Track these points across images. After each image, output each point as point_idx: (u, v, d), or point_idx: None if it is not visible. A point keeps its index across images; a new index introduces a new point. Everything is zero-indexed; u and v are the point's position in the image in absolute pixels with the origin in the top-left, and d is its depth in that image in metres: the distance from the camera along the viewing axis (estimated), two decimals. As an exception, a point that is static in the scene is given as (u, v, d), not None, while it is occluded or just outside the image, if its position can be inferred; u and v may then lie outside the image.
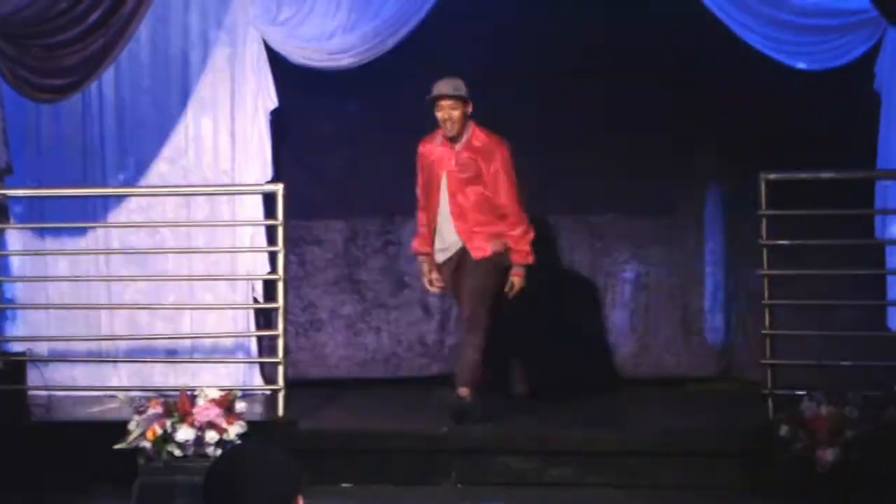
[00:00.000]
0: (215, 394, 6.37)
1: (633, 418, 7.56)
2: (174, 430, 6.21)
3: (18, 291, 8.16)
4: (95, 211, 8.32)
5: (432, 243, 7.31)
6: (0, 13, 7.37)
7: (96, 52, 7.43)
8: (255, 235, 8.15)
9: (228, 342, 8.28)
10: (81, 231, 8.33)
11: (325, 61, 7.97)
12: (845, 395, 6.25)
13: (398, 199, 8.16)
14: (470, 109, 7.10)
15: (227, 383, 7.49)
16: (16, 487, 6.71)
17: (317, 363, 8.66)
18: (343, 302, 8.68)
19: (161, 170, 8.33)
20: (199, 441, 6.21)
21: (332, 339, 8.69)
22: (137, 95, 8.34)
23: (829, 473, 6.06)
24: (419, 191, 7.38)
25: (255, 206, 8.11)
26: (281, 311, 7.25)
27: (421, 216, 7.41)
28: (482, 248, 7.12)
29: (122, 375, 8.21)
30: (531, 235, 7.23)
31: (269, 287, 7.81)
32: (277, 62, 8.09)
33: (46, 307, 8.17)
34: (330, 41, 7.96)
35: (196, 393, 6.37)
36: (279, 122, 8.29)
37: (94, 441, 6.64)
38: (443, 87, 7.08)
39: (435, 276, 7.35)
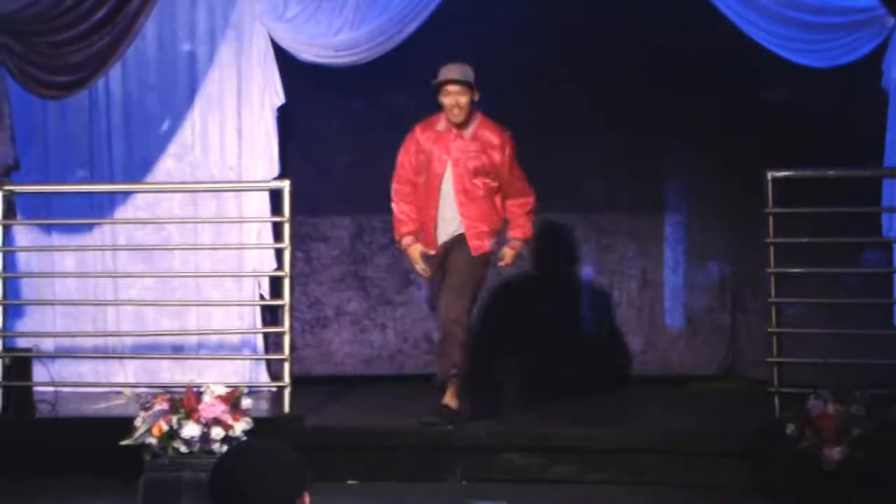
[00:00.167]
0: (221, 390, 6.37)
1: (637, 416, 7.55)
2: (180, 426, 6.21)
3: (25, 287, 8.17)
4: (102, 207, 8.33)
5: (417, 230, 7.07)
6: (6, 11, 7.38)
7: (103, 48, 7.44)
8: (262, 232, 8.16)
9: (234, 339, 8.28)
10: (88, 227, 8.35)
11: (331, 58, 7.98)
12: (852, 393, 6.24)
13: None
14: (476, 97, 6.93)
15: (233, 380, 7.50)
16: (22, 483, 6.71)
17: (323, 360, 8.67)
18: (349, 299, 8.69)
19: (168, 166, 8.34)
20: (205, 437, 6.21)
21: (338, 335, 8.69)
22: (144, 92, 8.34)
23: (835, 472, 6.05)
24: (403, 174, 7.07)
25: (261, 203, 8.12)
26: (287, 308, 7.25)
27: (401, 205, 7.09)
28: (482, 245, 6.97)
29: (128, 372, 8.23)
30: (533, 214, 7.18)
31: (276, 284, 7.81)
32: (284, 59, 8.09)
33: (53, 303, 8.18)
34: (336, 38, 7.96)
35: (202, 389, 6.37)
36: (286, 119, 8.29)
37: (100, 437, 6.64)
38: (451, 71, 6.91)
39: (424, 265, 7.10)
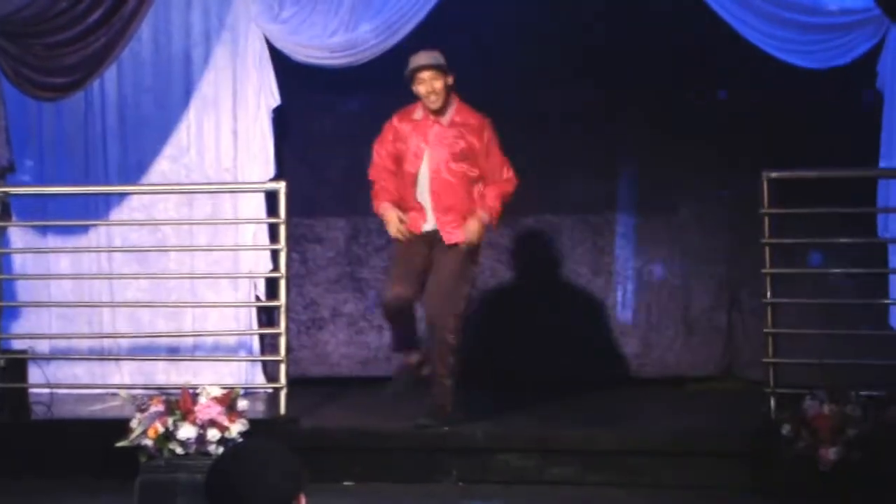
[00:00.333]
0: (217, 392, 6.36)
1: (634, 417, 7.55)
2: (176, 428, 6.21)
3: (20, 289, 8.16)
4: (97, 209, 8.33)
5: (396, 201, 6.91)
6: (1, 12, 7.38)
7: (98, 50, 7.44)
8: (258, 233, 8.15)
9: (230, 340, 8.28)
10: (83, 229, 8.34)
11: (326, 59, 7.97)
12: (848, 393, 6.24)
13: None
14: (451, 81, 6.77)
15: (228, 381, 7.49)
16: (17, 485, 6.71)
17: (318, 361, 8.67)
18: (345, 300, 8.68)
19: (163, 168, 8.34)
20: (201, 439, 6.20)
21: (334, 337, 8.69)
22: (139, 94, 8.34)
23: (831, 472, 6.06)
24: (380, 161, 6.95)
25: (257, 204, 8.12)
26: (283, 310, 7.25)
27: (381, 183, 6.95)
28: (455, 236, 6.80)
29: (123, 373, 8.22)
30: (508, 197, 6.90)
31: (271, 285, 7.81)
32: (279, 60, 8.09)
33: (48, 305, 8.18)
34: (332, 39, 7.95)
35: (198, 391, 6.36)
36: (281, 120, 8.29)
37: (95, 439, 6.64)
38: (421, 58, 6.78)
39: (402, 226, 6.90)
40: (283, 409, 7.13)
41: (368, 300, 8.65)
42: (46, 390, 7.60)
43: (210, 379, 7.26)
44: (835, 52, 7.34)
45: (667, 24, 8.07)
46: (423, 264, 6.84)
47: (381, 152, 6.98)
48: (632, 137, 8.32)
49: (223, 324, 8.19)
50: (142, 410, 6.34)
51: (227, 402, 6.33)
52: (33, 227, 8.21)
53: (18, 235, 8.18)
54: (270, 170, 8.14)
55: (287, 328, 7.29)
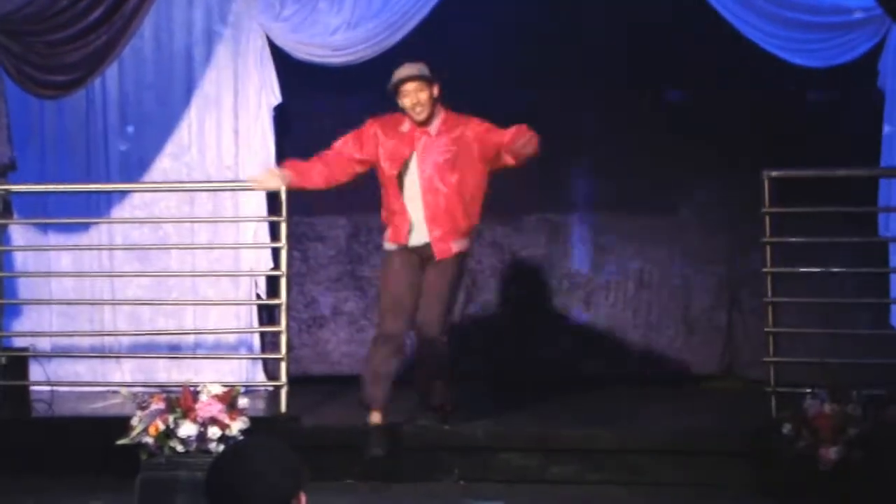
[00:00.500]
0: (218, 390, 6.36)
1: (635, 416, 7.55)
2: (177, 425, 6.21)
3: (22, 287, 8.17)
4: (99, 207, 8.33)
5: (300, 171, 6.74)
6: (3, 10, 7.38)
7: (99, 48, 7.44)
8: (258, 232, 8.16)
9: (231, 338, 8.28)
10: (84, 227, 8.34)
11: (328, 57, 7.97)
12: (848, 392, 6.24)
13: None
14: (436, 91, 6.55)
15: (229, 379, 7.50)
16: (18, 482, 6.71)
17: (319, 359, 8.67)
18: (346, 298, 8.68)
19: (164, 166, 8.34)
20: (202, 437, 6.20)
21: (335, 335, 8.69)
22: (141, 91, 8.34)
23: (832, 471, 6.06)
24: (341, 144, 6.74)
25: (258, 203, 8.11)
26: (284, 308, 7.26)
27: (303, 163, 6.80)
28: (447, 249, 6.55)
29: (124, 371, 8.23)
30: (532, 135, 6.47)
31: (272, 283, 7.81)
32: (281, 58, 8.09)
33: (49, 303, 8.18)
34: (333, 37, 7.95)
35: (199, 389, 6.36)
36: (282, 118, 8.29)
37: (96, 436, 6.64)
38: (405, 70, 6.55)
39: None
40: (283, 408, 7.13)
41: (369, 298, 8.65)
42: (47, 388, 7.61)
43: (211, 377, 7.26)
44: (836, 52, 7.34)
45: (667, 23, 8.06)
46: (414, 293, 6.58)
47: (349, 140, 6.72)
48: (630, 136, 8.32)
49: (224, 322, 8.19)
50: (143, 408, 6.34)
51: (228, 400, 6.33)
52: (35, 224, 8.22)
53: (20, 233, 8.19)
54: (271, 167, 8.13)
55: (288, 326, 7.29)
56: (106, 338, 8.25)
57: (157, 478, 6.26)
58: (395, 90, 6.53)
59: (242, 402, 6.44)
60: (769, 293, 6.97)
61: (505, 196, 8.48)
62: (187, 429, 6.19)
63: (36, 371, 7.66)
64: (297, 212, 7.66)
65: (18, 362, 7.51)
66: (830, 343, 7.33)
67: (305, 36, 8.01)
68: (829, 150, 7.64)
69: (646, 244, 8.60)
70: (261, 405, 7.54)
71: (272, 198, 7.68)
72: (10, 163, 7.55)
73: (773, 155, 7.50)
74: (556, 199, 8.56)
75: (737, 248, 8.37)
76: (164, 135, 8.32)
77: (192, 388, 6.35)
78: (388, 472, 6.65)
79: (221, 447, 6.09)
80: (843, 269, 7.38)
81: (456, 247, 6.57)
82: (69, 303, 8.22)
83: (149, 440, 6.24)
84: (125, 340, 8.25)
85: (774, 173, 6.98)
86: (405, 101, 6.52)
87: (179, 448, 6.21)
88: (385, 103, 8.30)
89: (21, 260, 8.20)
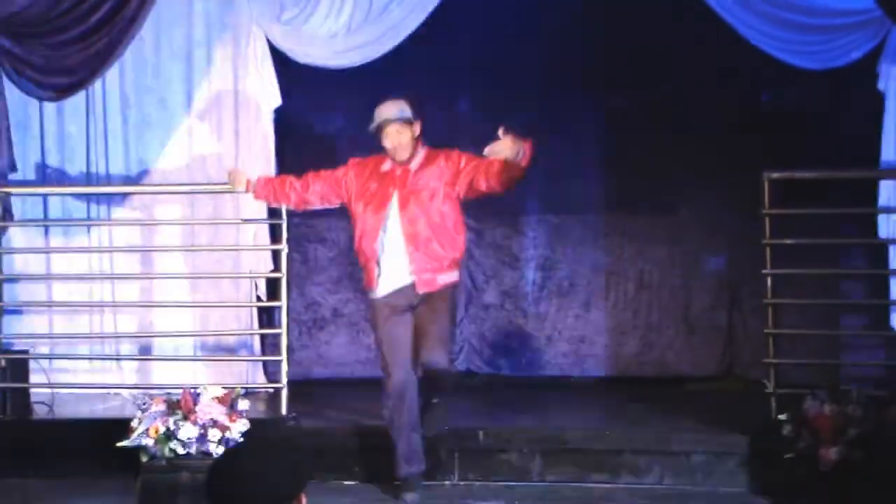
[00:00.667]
0: (218, 392, 6.37)
1: (635, 416, 7.55)
2: (177, 427, 6.21)
3: (22, 289, 8.17)
4: (99, 209, 8.34)
5: (272, 188, 6.69)
6: (4, 12, 7.39)
7: (100, 50, 7.44)
8: (259, 233, 8.15)
9: (231, 340, 8.28)
10: (85, 229, 8.34)
11: (328, 60, 7.97)
12: (848, 393, 6.25)
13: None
14: (418, 130, 6.42)
15: (229, 381, 7.49)
16: (19, 484, 6.72)
17: (319, 361, 8.68)
18: (346, 300, 8.69)
19: (165, 168, 8.34)
20: (202, 439, 6.21)
21: (335, 337, 8.70)
22: (141, 94, 8.34)
23: (832, 472, 6.06)
24: (327, 174, 6.61)
25: (258, 205, 8.10)
26: (284, 310, 7.26)
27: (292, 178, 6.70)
28: (432, 281, 6.32)
29: (125, 373, 8.22)
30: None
31: (272, 285, 7.81)
32: (281, 61, 8.09)
33: (50, 305, 8.18)
34: (333, 40, 7.95)
35: (199, 391, 6.37)
36: (282, 121, 8.29)
37: (96, 439, 6.65)
38: (387, 111, 6.40)
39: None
40: (283, 409, 7.13)
41: (369, 300, 8.65)
42: (48, 390, 7.61)
43: (211, 379, 7.27)
44: (836, 53, 7.34)
45: (667, 24, 8.07)
46: (411, 336, 6.39)
47: (335, 173, 6.61)
48: (630, 137, 8.33)
49: (224, 324, 8.19)
50: (143, 410, 6.34)
51: (228, 402, 6.34)
52: (35, 226, 8.22)
53: (20, 235, 8.18)
54: (272, 170, 8.13)
55: (288, 328, 7.30)
56: (106, 340, 8.26)
57: (157, 480, 6.27)
58: (377, 131, 6.43)
59: (243, 404, 6.44)
60: (769, 294, 6.98)
61: (505, 197, 8.50)
62: (188, 431, 6.19)
63: (36, 373, 7.66)
64: (297, 214, 7.66)
65: (19, 364, 7.52)
66: (830, 344, 7.33)
67: (305, 39, 8.01)
68: (829, 151, 7.65)
69: (646, 245, 8.62)
70: (261, 407, 7.54)
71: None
72: (11, 165, 7.56)
73: (774, 156, 7.50)
74: (556, 201, 8.57)
75: (737, 249, 8.38)
76: (164, 137, 8.32)
77: (192, 391, 6.35)
78: (387, 474, 6.65)
79: (222, 449, 6.09)
80: (843, 271, 7.38)
81: (442, 280, 6.35)
82: (70, 305, 8.22)
83: (149, 442, 6.24)
84: (125, 343, 8.25)
85: (775, 175, 6.99)
86: (386, 143, 6.42)
87: (180, 450, 6.21)
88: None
89: (21, 262, 8.20)
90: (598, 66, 8.26)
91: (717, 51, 7.90)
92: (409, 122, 6.39)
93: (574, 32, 8.25)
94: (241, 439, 6.16)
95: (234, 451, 2.96)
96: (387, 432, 6.38)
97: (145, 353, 8.22)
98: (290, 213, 7.31)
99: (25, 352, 7.70)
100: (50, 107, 8.14)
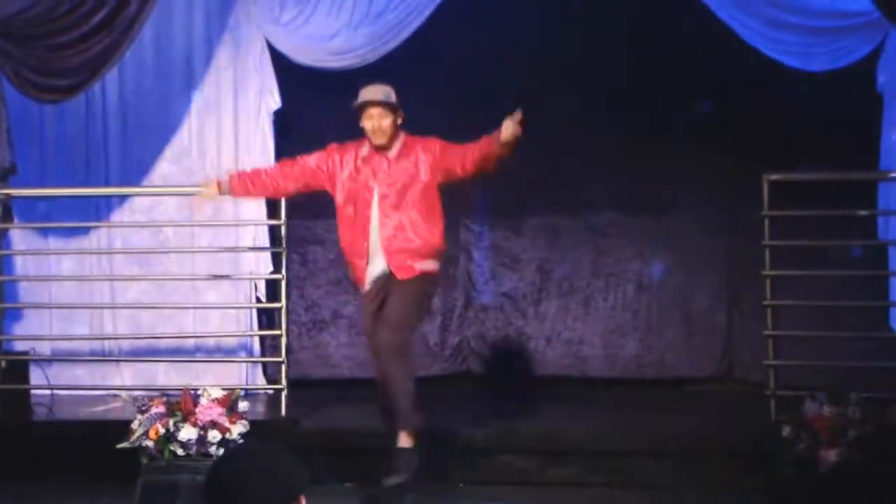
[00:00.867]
0: (218, 393, 6.37)
1: (635, 418, 7.56)
2: (177, 429, 6.21)
3: (22, 291, 8.18)
4: (99, 211, 8.34)
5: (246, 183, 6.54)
6: (3, 14, 7.39)
7: (100, 52, 7.44)
8: (258, 235, 8.16)
9: (231, 342, 8.29)
10: (84, 231, 8.35)
11: (328, 61, 7.98)
12: (848, 395, 6.25)
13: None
14: (400, 120, 6.34)
15: (229, 383, 7.49)
16: (18, 486, 6.72)
17: (319, 363, 8.67)
18: (346, 302, 8.69)
19: (164, 170, 8.35)
20: (202, 440, 6.21)
21: (335, 338, 8.70)
22: (141, 96, 8.35)
23: (831, 474, 6.06)
24: (302, 160, 6.51)
25: (257, 206, 8.12)
26: (283, 311, 7.26)
27: (257, 174, 6.59)
28: (411, 268, 6.26)
29: (124, 375, 8.23)
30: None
31: (272, 287, 7.82)
32: (280, 62, 8.10)
33: (49, 307, 8.19)
34: (333, 41, 7.96)
35: (199, 392, 6.37)
36: (282, 122, 8.30)
37: (96, 440, 6.65)
38: (371, 92, 6.31)
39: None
40: (283, 411, 7.14)
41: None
42: (47, 392, 7.62)
43: (211, 380, 7.27)
44: (835, 55, 7.35)
45: (666, 27, 8.07)
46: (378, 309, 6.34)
47: (312, 157, 6.50)
48: (630, 138, 8.32)
49: (224, 325, 8.19)
50: (143, 412, 6.34)
51: (228, 403, 6.33)
52: (35, 228, 8.22)
53: (20, 237, 8.19)
54: (271, 172, 8.14)
55: (287, 330, 7.30)
56: (106, 341, 8.26)
57: (157, 481, 6.26)
58: (359, 110, 6.33)
59: (242, 405, 6.44)
60: (769, 296, 6.98)
61: (504, 199, 8.51)
62: (187, 432, 6.19)
63: (36, 375, 7.66)
64: (296, 215, 7.67)
65: (19, 366, 7.53)
66: (830, 346, 7.33)
67: (305, 40, 8.02)
68: (829, 153, 7.65)
69: (645, 246, 8.62)
70: (261, 409, 7.55)
71: (272, 201, 7.69)
72: (11, 167, 7.56)
73: (773, 158, 7.51)
74: (555, 202, 8.57)
75: (737, 251, 8.37)
76: (164, 139, 8.33)
77: (192, 392, 6.35)
78: (388, 475, 6.65)
79: (221, 451, 6.09)
80: (843, 272, 7.38)
81: (419, 267, 6.28)
82: (69, 307, 8.22)
83: (149, 444, 6.24)
84: (125, 344, 8.26)
85: (774, 176, 7.00)
86: (366, 124, 6.32)
87: (180, 452, 6.21)
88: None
89: (21, 264, 8.21)
90: (598, 69, 8.26)
91: (717, 53, 7.89)
92: (392, 108, 6.30)
93: (574, 36, 8.24)
94: (241, 441, 6.16)
95: (233, 453, 2.96)
96: (386, 433, 6.37)
97: (145, 354, 8.22)
98: (290, 215, 7.32)
99: (25, 353, 7.70)
100: (50, 109, 8.15)
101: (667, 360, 8.59)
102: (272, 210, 7.78)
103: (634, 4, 8.14)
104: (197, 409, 6.25)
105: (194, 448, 6.21)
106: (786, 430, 6.24)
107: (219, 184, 6.61)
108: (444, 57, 8.01)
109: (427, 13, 7.73)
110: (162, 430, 6.22)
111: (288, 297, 7.32)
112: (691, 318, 8.58)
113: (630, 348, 8.61)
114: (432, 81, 7.97)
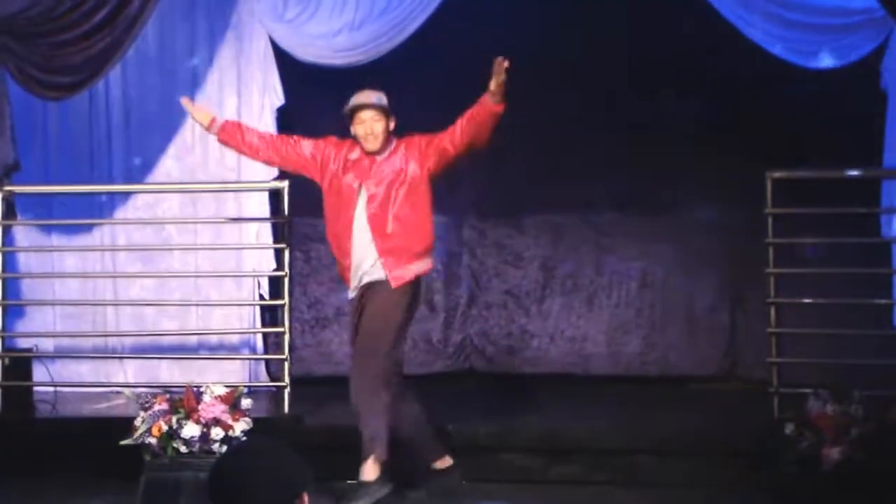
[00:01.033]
0: (221, 390, 6.37)
1: (638, 416, 7.55)
2: (180, 426, 6.21)
3: (25, 288, 8.18)
4: (102, 208, 8.35)
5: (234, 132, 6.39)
6: (7, 12, 7.39)
7: (103, 50, 7.44)
8: (261, 232, 8.17)
9: (234, 339, 8.29)
10: (88, 228, 8.36)
11: (331, 59, 7.98)
12: (851, 393, 6.24)
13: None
14: (392, 125, 6.22)
15: (232, 380, 7.51)
16: (21, 483, 6.72)
17: (322, 360, 8.67)
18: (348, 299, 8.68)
19: (167, 167, 8.35)
20: (205, 437, 6.21)
21: (338, 336, 8.69)
22: (144, 93, 8.36)
23: (834, 472, 6.06)
24: (299, 138, 6.43)
25: (260, 203, 8.13)
26: (286, 308, 7.27)
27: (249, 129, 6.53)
28: (404, 275, 6.14)
29: (127, 372, 8.24)
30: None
31: (275, 284, 7.82)
32: (284, 60, 8.10)
33: (53, 303, 8.19)
34: (336, 39, 7.96)
35: (202, 389, 6.37)
36: (285, 119, 8.29)
37: (99, 437, 6.65)
38: (364, 96, 6.21)
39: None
40: (286, 408, 7.14)
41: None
42: (51, 388, 7.63)
43: (214, 377, 7.27)
44: (839, 53, 7.35)
45: (668, 24, 8.07)
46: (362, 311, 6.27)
47: (310, 141, 6.36)
48: (633, 136, 8.32)
49: (227, 322, 8.20)
50: (146, 409, 6.34)
51: (231, 400, 6.33)
52: (38, 225, 8.23)
53: (23, 234, 8.20)
54: (274, 169, 8.14)
55: (290, 327, 7.31)
56: (109, 338, 8.26)
57: (160, 478, 6.26)
58: (351, 115, 6.21)
59: (245, 402, 6.44)
60: (772, 294, 6.98)
61: (507, 196, 8.51)
62: (190, 430, 6.19)
63: (39, 372, 7.67)
64: (299, 212, 7.66)
65: (22, 363, 7.53)
66: (833, 344, 7.32)
67: (308, 37, 8.02)
68: (832, 151, 7.64)
69: (648, 244, 8.61)
70: (264, 406, 7.54)
71: (275, 199, 7.69)
72: (14, 164, 7.56)
73: (776, 156, 7.50)
74: (558, 200, 8.57)
75: (740, 249, 8.37)
76: (167, 136, 8.33)
77: (195, 389, 6.35)
78: (390, 473, 6.65)
79: (224, 448, 6.09)
80: (846, 270, 7.38)
81: (414, 269, 6.19)
82: (73, 304, 8.23)
83: (152, 441, 6.24)
84: (128, 341, 8.26)
85: (777, 174, 6.99)
86: (358, 129, 6.19)
87: (183, 449, 6.21)
88: (389, 104, 8.32)
89: (24, 261, 8.21)
90: (601, 67, 8.25)
91: (720, 50, 7.88)
92: (385, 113, 6.19)
93: (575, 31, 8.24)
94: (244, 438, 6.16)
95: (236, 451, 2.96)
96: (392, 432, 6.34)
97: (148, 351, 8.22)
98: (293, 212, 7.31)
99: (28, 350, 7.70)
100: (53, 106, 8.15)
101: (670, 358, 8.59)
102: (275, 207, 7.79)
103: (634, 4, 8.14)
104: (200, 407, 6.26)
105: (197, 445, 6.21)
106: (789, 428, 6.24)
107: (212, 121, 6.44)
108: (448, 54, 8.00)
109: (431, 9, 7.73)
110: (165, 428, 6.22)
111: (291, 295, 7.32)
112: (694, 316, 8.58)
113: (633, 346, 8.61)
114: (437, 78, 7.96)
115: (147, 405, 6.36)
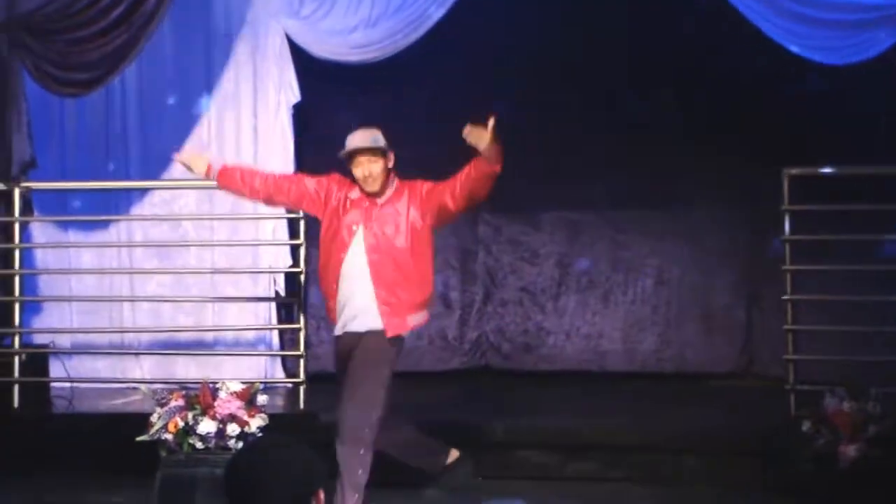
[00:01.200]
0: (237, 386, 6.38)
1: (654, 413, 7.54)
2: (196, 422, 6.22)
3: (42, 284, 8.20)
4: (118, 204, 8.37)
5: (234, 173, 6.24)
6: (24, 9, 7.41)
7: (119, 46, 7.46)
8: (277, 229, 8.17)
9: (250, 335, 8.30)
10: (104, 224, 8.38)
11: (347, 55, 7.98)
12: (868, 390, 6.22)
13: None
14: (391, 162, 6.01)
15: (248, 376, 7.50)
16: (38, 478, 6.74)
17: (338, 357, 8.66)
18: (364, 296, 8.68)
19: (184, 164, 8.36)
20: (221, 434, 6.22)
21: (354, 332, 8.68)
22: (160, 90, 8.37)
23: (851, 469, 6.04)
24: (300, 177, 6.31)
25: (276, 200, 8.12)
26: (302, 305, 7.27)
27: (250, 170, 6.39)
28: (402, 324, 5.93)
29: (144, 368, 8.25)
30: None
31: (291, 281, 7.82)
32: (300, 56, 8.10)
33: (69, 300, 8.21)
34: (352, 35, 7.96)
35: (218, 385, 6.38)
36: (301, 116, 8.31)
37: (116, 433, 6.67)
38: (358, 139, 6.02)
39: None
40: (302, 404, 7.15)
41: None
42: (67, 384, 7.64)
43: (230, 374, 7.28)
44: (856, 49, 7.31)
45: (678, 20, 8.05)
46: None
47: (312, 179, 6.18)
48: (650, 134, 8.30)
49: (243, 319, 8.22)
50: (162, 405, 6.35)
51: (247, 396, 6.34)
52: (55, 222, 8.25)
53: (40, 230, 8.22)
54: (290, 165, 8.16)
55: (306, 323, 7.32)
56: (125, 334, 8.29)
57: (176, 474, 6.28)
58: (347, 159, 6.03)
59: (261, 399, 6.45)
60: (788, 290, 6.96)
61: (523, 193, 8.50)
62: (206, 426, 6.20)
63: (56, 368, 7.69)
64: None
65: (39, 359, 7.55)
66: (850, 341, 7.30)
67: (324, 34, 8.02)
68: (849, 147, 7.61)
69: (664, 241, 8.60)
70: (279, 402, 7.56)
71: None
72: (31, 160, 7.58)
73: (793, 153, 7.47)
74: (574, 197, 8.56)
75: (756, 245, 8.35)
76: (183, 133, 8.34)
77: (211, 385, 6.36)
78: (405, 470, 6.65)
79: (240, 444, 6.11)
80: (863, 267, 7.35)
81: (410, 322, 5.98)
82: (89, 300, 8.25)
83: (168, 437, 6.26)
84: (145, 337, 8.28)
85: (794, 171, 6.97)
86: (356, 171, 5.99)
87: (199, 445, 6.23)
88: (399, 102, 8.33)
89: (41, 257, 8.24)
90: (616, 64, 8.24)
91: (736, 47, 7.86)
92: (381, 152, 5.98)
93: (584, 29, 8.22)
94: (260, 434, 6.16)
95: (252, 447, 2.96)
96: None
97: (164, 347, 8.24)
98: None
99: (45, 346, 7.73)
100: (70, 103, 8.17)
101: (686, 355, 8.57)
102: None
103: (634, 4, 8.12)
104: (216, 403, 6.27)
105: (213, 441, 6.22)
106: (805, 426, 6.23)
107: (209, 167, 6.28)
108: (464, 51, 8.00)
109: (446, 7, 7.72)
110: (181, 424, 6.23)
111: (307, 291, 7.32)
112: (710, 313, 8.56)
113: (649, 343, 8.60)
114: (454, 75, 7.97)
115: (163, 401, 6.37)
